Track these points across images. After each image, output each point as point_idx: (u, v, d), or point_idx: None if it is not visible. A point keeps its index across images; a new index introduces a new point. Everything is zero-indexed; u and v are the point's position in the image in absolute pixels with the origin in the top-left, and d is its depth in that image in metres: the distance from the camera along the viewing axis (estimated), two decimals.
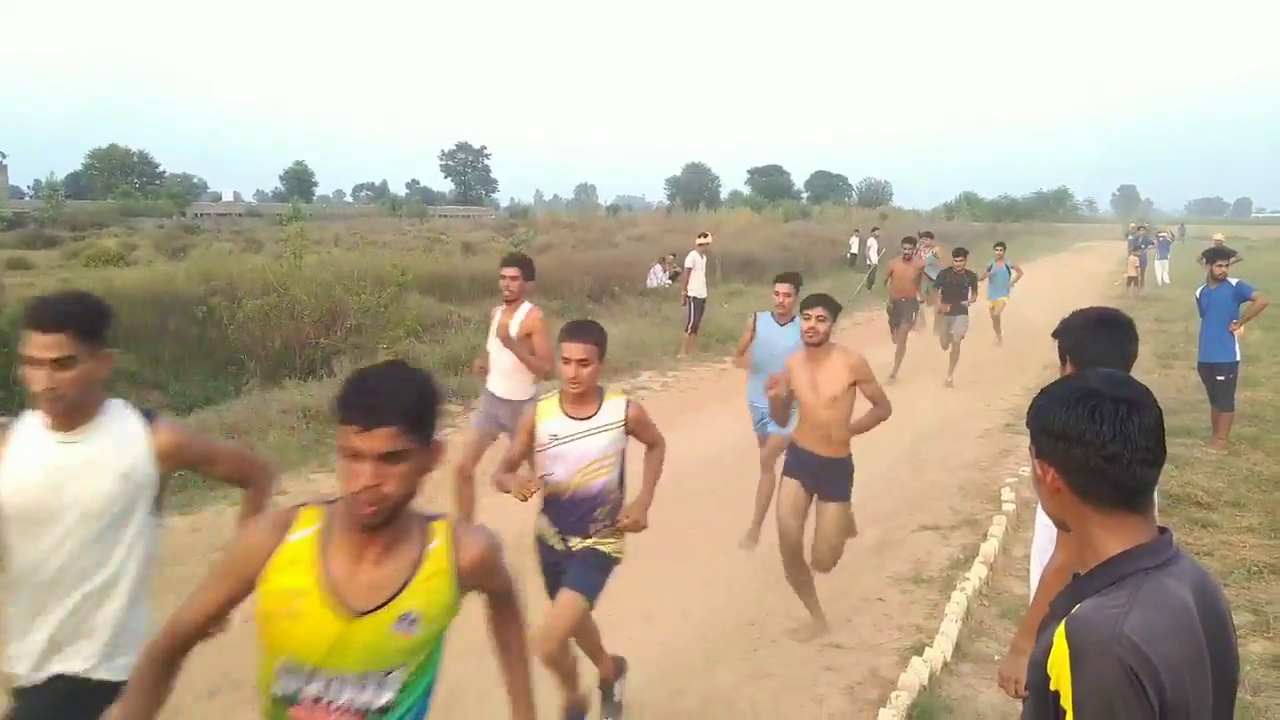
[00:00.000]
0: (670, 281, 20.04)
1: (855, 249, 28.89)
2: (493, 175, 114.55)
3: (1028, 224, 68.08)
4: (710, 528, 6.29)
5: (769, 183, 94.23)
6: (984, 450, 8.79)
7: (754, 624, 5.10)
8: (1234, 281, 8.60)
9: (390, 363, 1.94)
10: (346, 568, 1.91)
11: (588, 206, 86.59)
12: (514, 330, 5.67)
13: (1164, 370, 12.10)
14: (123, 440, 2.60)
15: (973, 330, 12.56)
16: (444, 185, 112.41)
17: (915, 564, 5.97)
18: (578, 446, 3.65)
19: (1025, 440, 1.65)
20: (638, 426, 3.77)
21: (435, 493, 7.22)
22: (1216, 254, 9.04)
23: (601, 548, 3.79)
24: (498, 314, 5.91)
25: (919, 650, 4.61)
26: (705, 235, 15.12)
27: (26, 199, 70.59)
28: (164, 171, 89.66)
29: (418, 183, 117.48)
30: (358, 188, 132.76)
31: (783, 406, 5.00)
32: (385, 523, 1.86)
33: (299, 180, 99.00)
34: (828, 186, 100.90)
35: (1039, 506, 2.60)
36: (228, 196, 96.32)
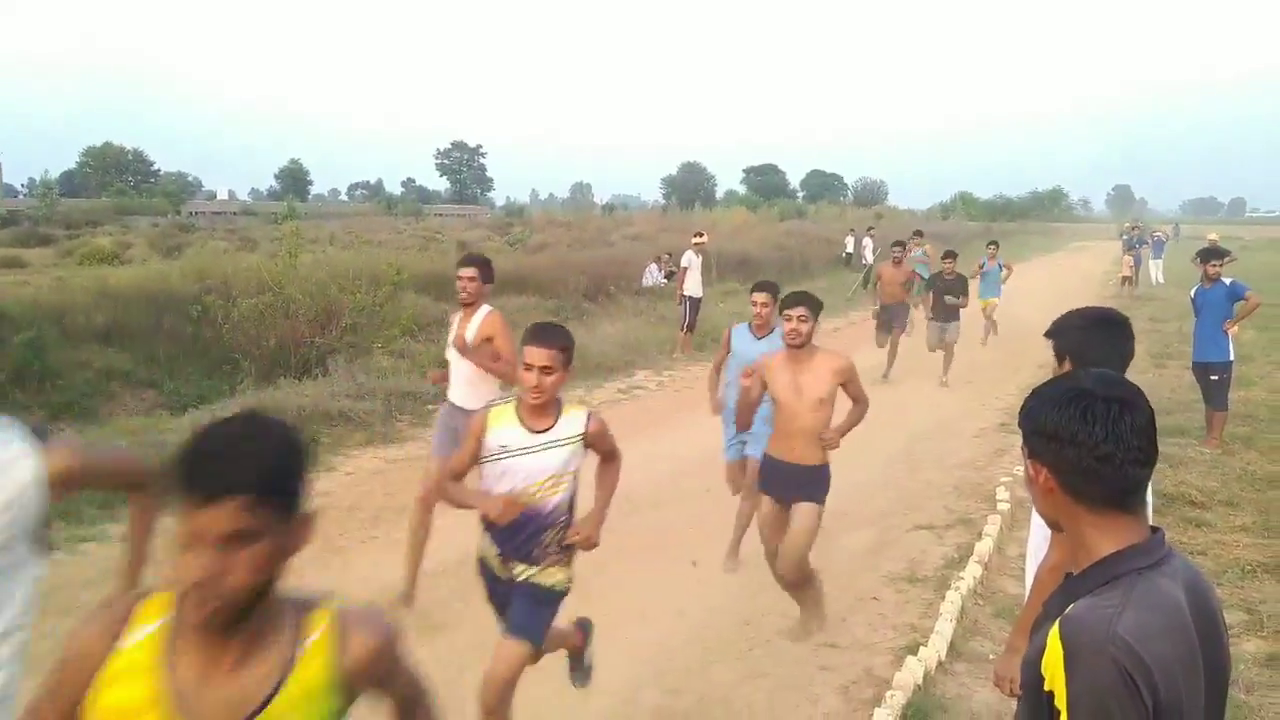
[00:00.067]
0: (666, 281, 20.04)
1: (850, 248, 28.93)
2: (488, 174, 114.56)
3: (1023, 223, 68.24)
4: (706, 527, 6.29)
5: (764, 182, 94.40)
6: (979, 449, 8.80)
7: (749, 623, 5.10)
8: (1228, 281, 8.62)
9: (243, 414, 1.53)
10: (197, 676, 1.47)
11: (583, 205, 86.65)
12: (471, 335, 5.26)
13: (1158, 370, 12.14)
14: (3, 466, 2.03)
15: (964, 331, 12.48)
16: (439, 184, 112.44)
17: (910, 563, 5.98)
18: (529, 461, 3.33)
19: (1020, 440, 1.66)
20: (597, 440, 3.45)
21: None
22: (1211, 254, 9.06)
23: (545, 581, 3.47)
24: (455, 320, 5.51)
25: (914, 649, 4.62)
26: (701, 234, 15.11)
27: (20, 197, 70.32)
28: (159, 170, 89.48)
29: (413, 181, 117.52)
30: (353, 186, 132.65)
31: (750, 407, 4.76)
32: (233, 622, 1.45)
33: (294, 179, 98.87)
34: (823, 186, 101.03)
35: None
36: (223, 195, 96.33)
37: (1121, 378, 1.61)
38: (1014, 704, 1.81)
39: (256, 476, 1.41)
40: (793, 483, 4.68)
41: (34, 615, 2.25)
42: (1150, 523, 1.62)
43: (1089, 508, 1.53)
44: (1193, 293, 8.94)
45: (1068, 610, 1.45)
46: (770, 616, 5.18)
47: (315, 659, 1.53)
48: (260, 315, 11.67)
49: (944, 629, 4.78)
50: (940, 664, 4.54)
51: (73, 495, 2.46)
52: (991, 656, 4.51)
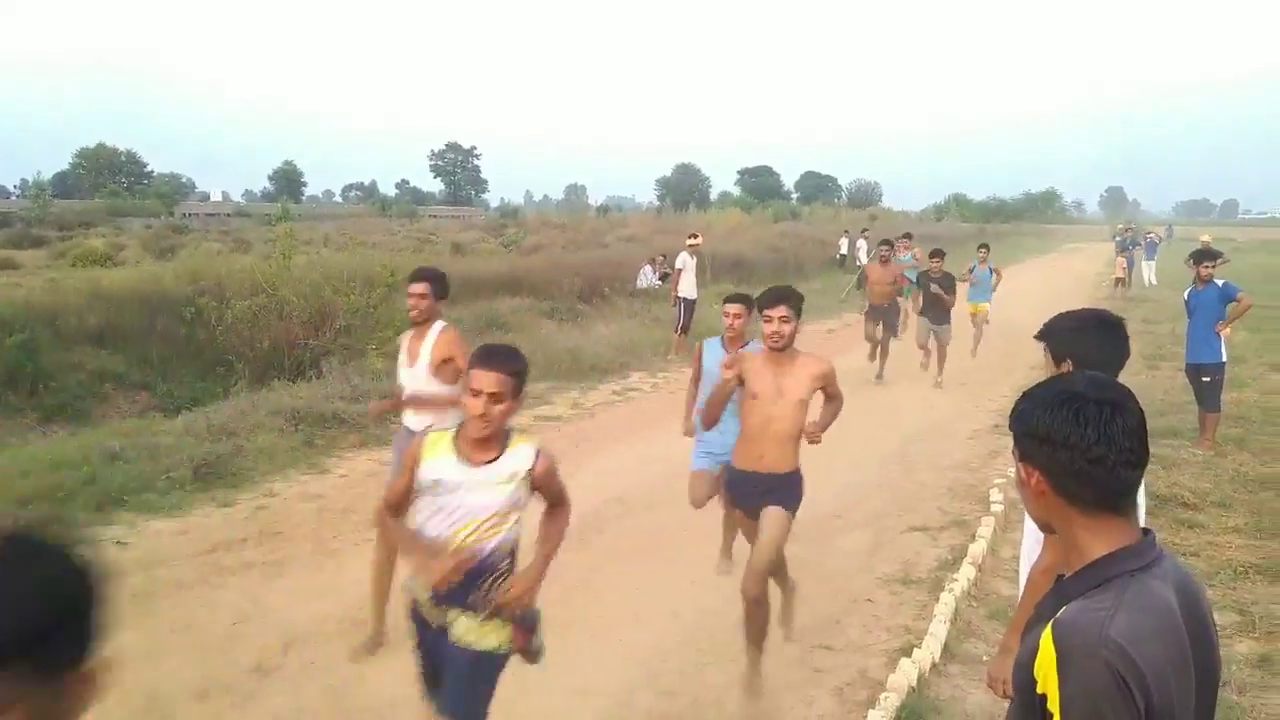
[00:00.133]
0: (660, 282, 20.04)
1: (845, 250, 28.96)
2: (483, 175, 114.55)
3: (1016, 225, 68.48)
4: (700, 529, 6.29)
5: (759, 183, 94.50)
6: (973, 451, 8.82)
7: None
8: (1220, 283, 8.65)
9: (10, 539, 1.19)
10: None
11: (578, 207, 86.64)
12: (427, 356, 4.88)
13: (1151, 371, 12.18)
14: None
15: (955, 337, 12.39)
16: (433, 185, 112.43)
17: (904, 565, 5.99)
18: (467, 499, 2.97)
19: (1012, 442, 1.66)
20: (545, 482, 3.08)
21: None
22: (1203, 255, 9.10)
23: (484, 644, 3.04)
24: (408, 335, 5.14)
25: (907, 651, 4.63)
26: (695, 236, 15.12)
27: (13, 198, 70.23)
28: (152, 171, 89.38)
29: (407, 183, 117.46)
30: (347, 188, 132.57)
31: (722, 402, 4.45)
32: None
33: (288, 180, 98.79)
34: (817, 187, 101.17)
35: None
36: (216, 196, 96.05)
37: (1112, 380, 1.62)
38: (1008, 706, 1.81)
39: (14, 634, 1.10)
40: (761, 492, 4.38)
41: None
42: (1143, 524, 1.63)
43: (1081, 510, 1.53)
44: (1186, 294, 8.98)
45: (1060, 613, 1.46)
46: None
47: None
48: (254, 317, 11.65)
49: (938, 631, 4.79)
50: (934, 666, 4.55)
51: None
52: (985, 658, 4.52)
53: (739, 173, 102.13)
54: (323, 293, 12.20)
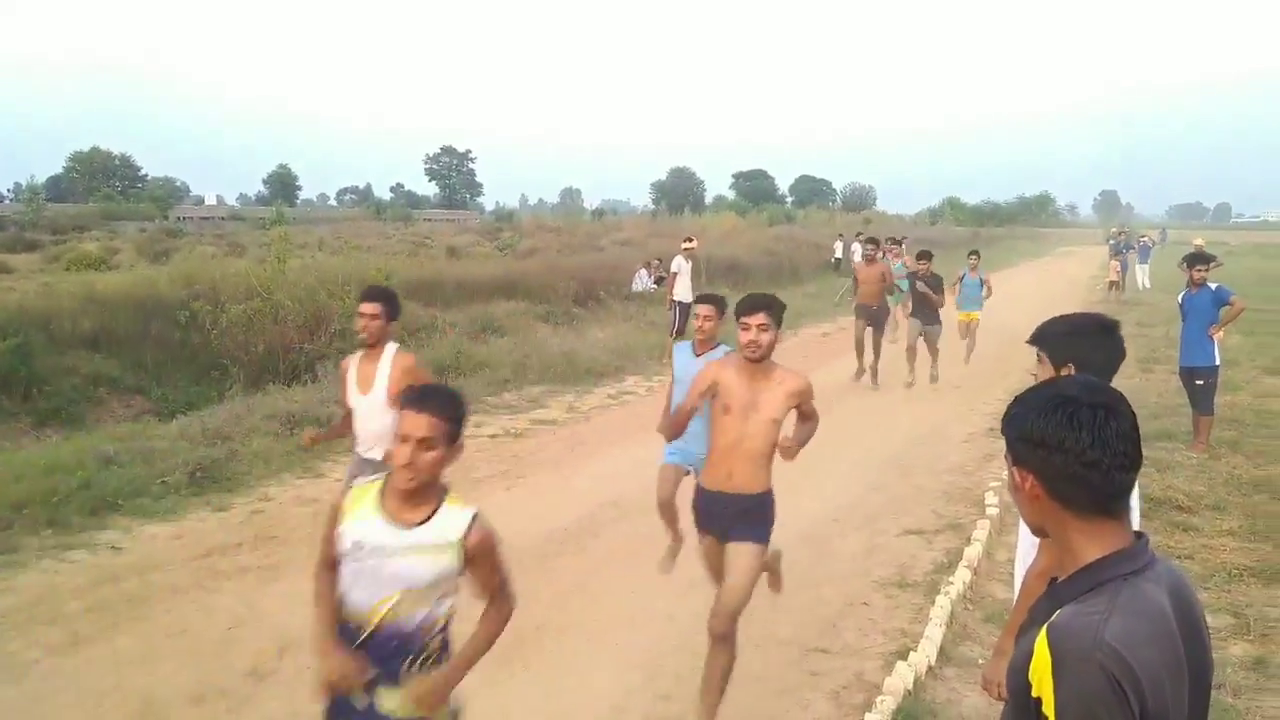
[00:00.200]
0: (655, 286, 20.07)
1: (839, 253, 29.02)
2: (477, 179, 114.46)
3: (1010, 228, 68.67)
4: (694, 532, 6.30)
5: (753, 187, 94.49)
6: (968, 455, 8.84)
7: (739, 628, 5.10)
8: (1213, 286, 8.68)
9: None
10: None
11: (573, 210, 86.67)
12: (383, 382, 4.64)
13: (1145, 375, 12.21)
14: None
15: (948, 342, 12.32)
16: (428, 189, 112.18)
17: (900, 568, 6.00)
18: (389, 565, 2.56)
19: (1006, 446, 1.66)
20: (479, 556, 2.64)
21: None
22: (1196, 259, 9.14)
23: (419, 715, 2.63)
24: (353, 362, 4.85)
25: (903, 654, 4.63)
26: (690, 239, 15.14)
27: (6, 202, 69.94)
28: (146, 175, 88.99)
29: (402, 186, 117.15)
30: (342, 191, 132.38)
31: (684, 420, 4.15)
32: None
33: (282, 184, 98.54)
34: (812, 191, 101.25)
35: None
36: (210, 200, 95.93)
37: (1105, 383, 1.63)
38: (1001, 709, 1.81)
39: None
40: (731, 514, 4.05)
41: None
42: (1137, 527, 1.63)
43: (1076, 513, 1.54)
44: (1180, 298, 9.01)
45: (1054, 617, 1.46)
46: (760, 621, 5.18)
47: None
48: (249, 321, 11.64)
49: (934, 634, 4.79)
50: (930, 669, 4.55)
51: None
52: (980, 661, 4.53)
53: (734, 176, 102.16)
54: (317, 296, 12.20)
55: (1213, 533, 6.38)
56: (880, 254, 13.09)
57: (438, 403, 2.60)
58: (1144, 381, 11.61)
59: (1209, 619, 1.66)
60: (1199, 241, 18.50)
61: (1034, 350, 3.02)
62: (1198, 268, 8.81)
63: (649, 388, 12.03)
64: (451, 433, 2.60)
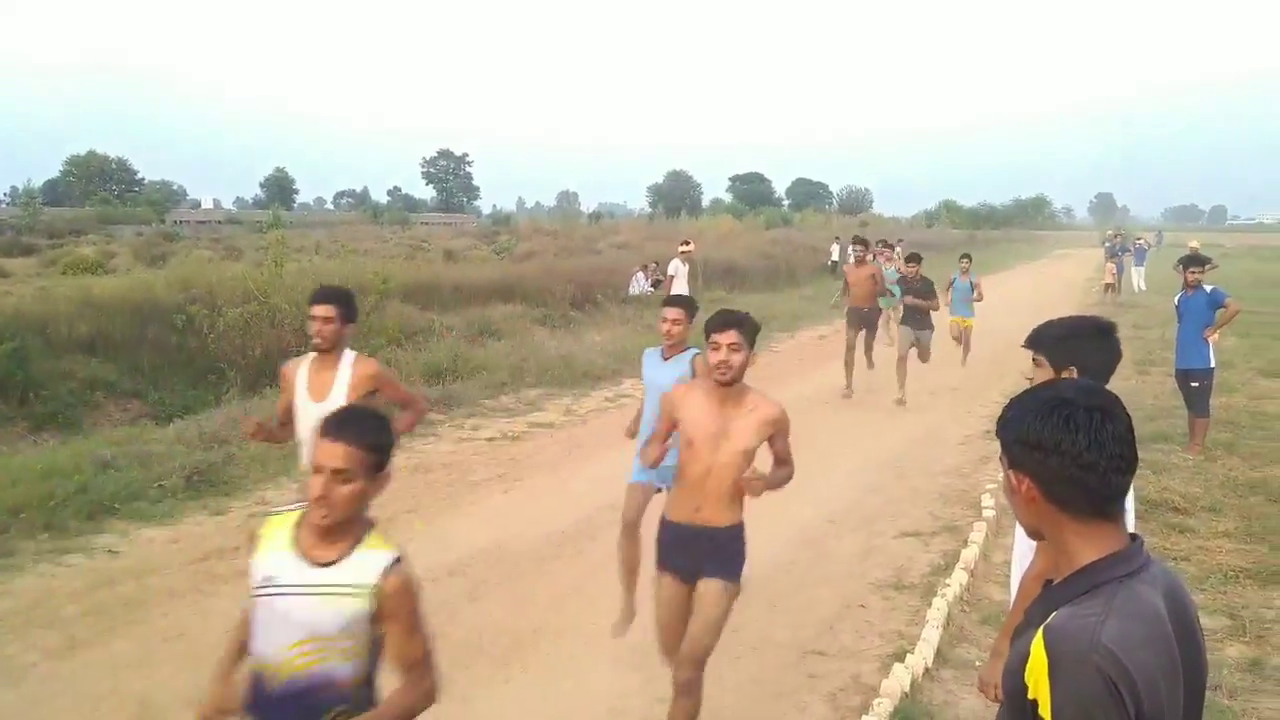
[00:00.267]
0: (653, 289, 20.07)
1: (836, 256, 29.06)
2: (475, 183, 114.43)
3: (1006, 231, 68.82)
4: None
5: (750, 190, 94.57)
6: (964, 457, 8.85)
7: (737, 631, 5.09)
8: (1208, 288, 8.71)
9: None
10: None
11: (570, 213, 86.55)
12: (342, 391, 4.30)
13: (1141, 376, 12.23)
14: None
15: (941, 347, 12.23)
16: (426, 192, 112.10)
17: (897, 570, 6.00)
18: (297, 607, 2.29)
19: (1001, 449, 1.67)
20: (394, 607, 2.31)
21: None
22: (1191, 261, 9.19)
23: None
24: (304, 365, 4.45)
25: (900, 657, 4.64)
26: (687, 243, 15.16)
27: (3, 206, 69.77)
28: (143, 179, 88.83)
29: (399, 190, 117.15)
30: (339, 195, 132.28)
31: (662, 448, 3.80)
32: None
33: (279, 187, 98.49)
34: (808, 194, 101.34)
35: None
36: (207, 204, 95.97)
37: (1100, 386, 1.64)
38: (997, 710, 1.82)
39: None
40: (699, 552, 3.70)
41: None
42: (1132, 529, 1.64)
43: (1072, 516, 1.54)
44: (1177, 300, 9.04)
45: (1050, 619, 1.47)
46: (758, 624, 5.19)
47: None
48: (245, 325, 11.64)
49: (931, 636, 4.80)
50: (927, 671, 4.56)
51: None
52: (977, 663, 4.54)
53: (730, 180, 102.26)
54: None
55: (1208, 534, 6.40)
56: (870, 255, 12.80)
57: (357, 429, 2.34)
58: (1140, 383, 11.64)
59: (1205, 620, 1.67)
60: (1194, 244, 18.56)
61: (1029, 353, 3.03)
62: (1192, 270, 8.84)
63: None
64: (373, 463, 2.35)
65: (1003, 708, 1.61)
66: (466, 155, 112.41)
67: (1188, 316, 8.72)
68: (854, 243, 12.56)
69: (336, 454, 2.28)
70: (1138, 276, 26.41)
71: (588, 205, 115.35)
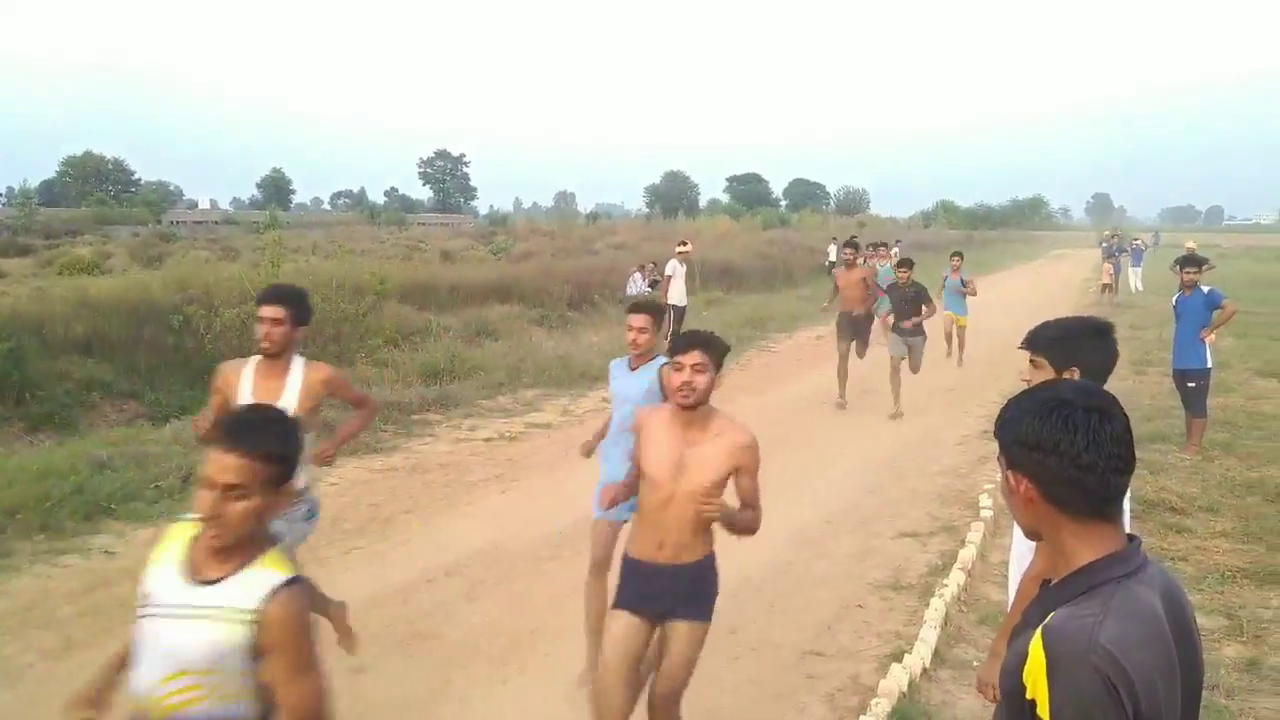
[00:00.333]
0: (650, 289, 20.05)
1: (833, 257, 29.05)
2: (472, 183, 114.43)
3: (1003, 231, 68.93)
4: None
5: (747, 191, 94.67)
6: (962, 458, 8.85)
7: (735, 632, 5.10)
8: (1205, 289, 8.73)
9: None
10: None
11: (567, 214, 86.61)
12: (292, 401, 3.96)
13: (1138, 377, 12.24)
14: None
15: (930, 343, 12.09)
16: (423, 193, 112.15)
17: (894, 571, 6.00)
18: (168, 632, 2.03)
19: (999, 449, 1.67)
20: (276, 639, 2.01)
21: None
22: (1188, 261, 9.21)
23: None
24: (247, 369, 4.11)
25: (898, 657, 4.64)
26: (685, 243, 15.14)
27: None
28: (139, 179, 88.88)
29: (396, 190, 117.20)
30: (336, 195, 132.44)
31: (626, 494, 3.59)
32: None
33: (276, 187, 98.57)
34: (805, 195, 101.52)
35: None
36: (204, 204, 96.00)
37: (1098, 387, 1.64)
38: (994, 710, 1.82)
39: None
40: (665, 593, 3.38)
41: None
42: (1128, 529, 1.64)
43: (1071, 516, 1.54)
44: (1174, 300, 9.06)
45: (1049, 620, 1.47)
46: (756, 624, 5.19)
47: None
48: (242, 325, 11.61)
49: (928, 636, 4.80)
50: (925, 671, 4.56)
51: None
52: (975, 663, 4.54)
53: (728, 180, 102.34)
54: (311, 301, 12.18)
55: (1206, 535, 6.40)
56: (861, 259, 12.31)
57: (253, 437, 2.05)
58: (1137, 384, 11.65)
59: (1202, 620, 1.67)
60: (1191, 244, 18.58)
61: (1026, 354, 3.03)
62: (1189, 270, 8.85)
63: None
64: (274, 475, 2.06)
65: (1000, 708, 1.61)
66: (464, 156, 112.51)
67: (1185, 317, 8.73)
68: (844, 246, 12.29)
69: (229, 467, 2.01)
70: (1135, 277, 26.46)
71: (585, 206, 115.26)
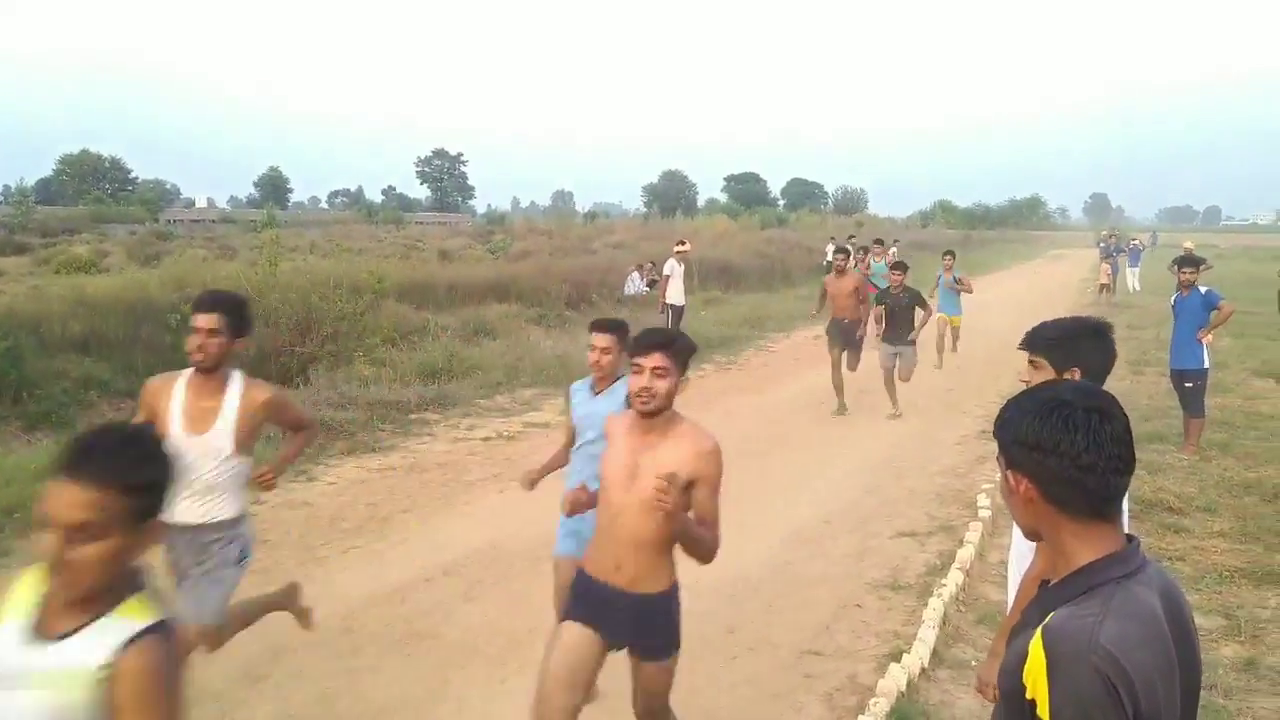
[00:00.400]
0: (648, 289, 20.07)
1: (831, 256, 29.07)
2: (469, 182, 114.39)
3: (1001, 231, 69.00)
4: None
5: (746, 190, 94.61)
6: (960, 457, 8.86)
7: (733, 632, 5.10)
8: (1203, 290, 8.74)
9: None
10: None
11: (565, 213, 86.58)
12: (230, 419, 3.66)
13: (1135, 377, 12.25)
14: None
15: (923, 345, 12.01)
16: (420, 192, 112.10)
17: (893, 570, 6.01)
18: (8, 696, 1.69)
19: (999, 449, 1.67)
20: (125, 696, 1.65)
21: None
22: (1186, 261, 9.22)
23: None
24: (177, 385, 3.69)
25: (897, 657, 4.64)
26: (683, 242, 15.15)
27: None
28: (136, 177, 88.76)
29: (394, 189, 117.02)
30: (333, 194, 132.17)
31: (582, 507, 3.40)
32: None
33: (274, 186, 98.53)
34: (804, 194, 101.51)
35: None
36: (201, 203, 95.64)
37: (1098, 387, 1.64)
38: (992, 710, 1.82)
39: None
40: (621, 621, 3.12)
41: None
42: (1126, 529, 1.65)
43: (1070, 517, 1.55)
44: (1172, 300, 9.08)
45: (1048, 620, 1.47)
46: (754, 624, 5.19)
47: None
48: None
49: (927, 636, 4.80)
50: (923, 671, 4.56)
51: None
52: (974, 663, 4.55)
53: (726, 179, 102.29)
54: (309, 300, 12.17)
55: (1204, 534, 6.41)
56: (852, 264, 11.98)
57: (105, 463, 1.65)
58: (1135, 384, 11.66)
59: (1200, 620, 1.67)
60: (1189, 244, 18.60)
61: (1025, 354, 3.03)
62: (1187, 270, 8.87)
63: None
64: (134, 508, 1.67)
65: (1000, 707, 1.61)
66: (461, 155, 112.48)
67: (1183, 317, 8.75)
68: (836, 252, 11.95)
69: (74, 501, 1.62)
70: (1132, 277, 26.49)
71: (583, 205, 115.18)
